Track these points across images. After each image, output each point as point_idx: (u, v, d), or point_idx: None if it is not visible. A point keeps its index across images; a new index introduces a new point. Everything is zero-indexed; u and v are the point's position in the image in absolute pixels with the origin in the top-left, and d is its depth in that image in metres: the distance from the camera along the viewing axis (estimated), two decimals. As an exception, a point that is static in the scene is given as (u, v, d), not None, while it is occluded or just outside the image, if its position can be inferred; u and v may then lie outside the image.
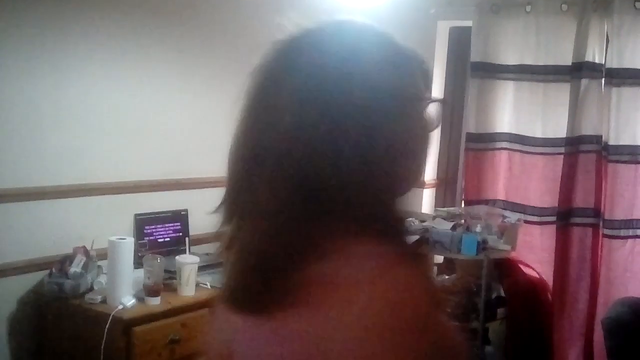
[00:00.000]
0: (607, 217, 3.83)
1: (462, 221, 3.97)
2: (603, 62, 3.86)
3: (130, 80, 3.42)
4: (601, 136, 3.86)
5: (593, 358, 3.89)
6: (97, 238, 3.06)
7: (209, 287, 3.24)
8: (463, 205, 4.34)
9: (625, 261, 3.82)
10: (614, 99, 3.80)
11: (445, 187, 4.49)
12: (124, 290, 2.89)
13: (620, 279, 3.82)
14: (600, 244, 3.90)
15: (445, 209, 4.23)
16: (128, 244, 2.94)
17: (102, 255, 3.01)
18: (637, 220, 3.79)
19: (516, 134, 4.13)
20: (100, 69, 3.28)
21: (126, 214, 3.30)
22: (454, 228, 3.91)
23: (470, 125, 4.27)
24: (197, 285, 3.20)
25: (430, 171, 4.46)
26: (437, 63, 4.43)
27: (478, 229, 3.91)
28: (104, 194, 3.31)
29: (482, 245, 3.80)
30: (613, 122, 3.81)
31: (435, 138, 4.40)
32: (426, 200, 4.49)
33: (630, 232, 3.81)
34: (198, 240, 3.63)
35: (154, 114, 3.55)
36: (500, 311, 3.95)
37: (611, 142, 3.80)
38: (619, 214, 3.81)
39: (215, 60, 3.81)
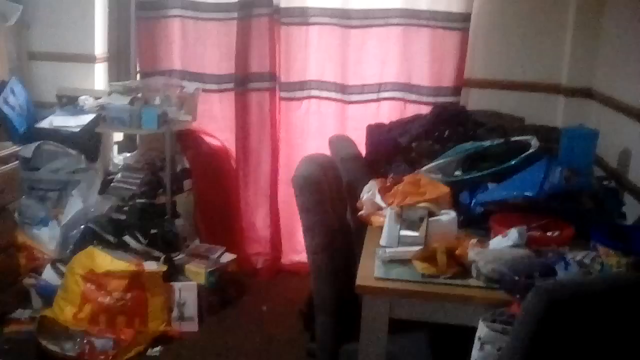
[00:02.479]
0: (282, 80, 3.91)
1: (140, 95, 3.76)
2: None
3: None
4: (272, -1, 3.86)
5: (279, 216, 4.08)
6: None
7: None
8: (139, 78, 4.12)
9: (302, 122, 3.97)
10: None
11: (119, 60, 4.19)
12: None
13: (299, 139, 3.98)
14: (278, 107, 3.99)
15: (120, 83, 3.95)
16: None
17: None
18: (310, 81, 3.92)
19: (188, 0, 3.95)
20: None
21: None
22: (131, 103, 3.70)
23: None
24: None
25: (100, 45, 4.13)
26: None
27: (157, 101, 3.75)
28: None
29: (163, 118, 3.68)
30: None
31: (103, 8, 4.06)
32: (99, 76, 4.17)
33: (305, 94, 3.94)
34: None
35: None
36: (186, 183, 3.91)
37: (282, 5, 3.82)
38: (294, 77, 3.91)
39: None
